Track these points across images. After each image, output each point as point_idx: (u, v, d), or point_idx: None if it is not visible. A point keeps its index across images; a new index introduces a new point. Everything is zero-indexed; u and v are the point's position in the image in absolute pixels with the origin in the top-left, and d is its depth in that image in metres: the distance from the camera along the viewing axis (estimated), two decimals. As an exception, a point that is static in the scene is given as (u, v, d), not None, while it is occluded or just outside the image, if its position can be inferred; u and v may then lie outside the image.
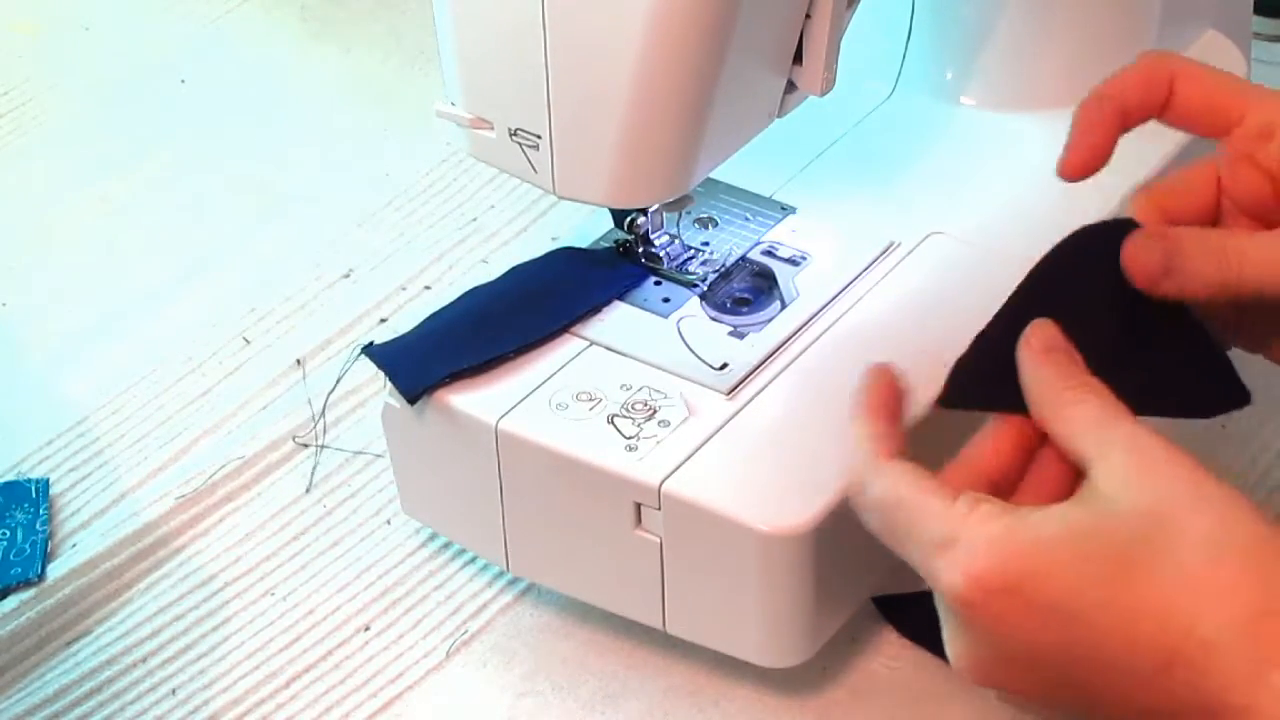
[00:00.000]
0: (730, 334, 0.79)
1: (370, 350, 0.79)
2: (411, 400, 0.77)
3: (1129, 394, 0.65)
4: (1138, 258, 0.69)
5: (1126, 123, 0.73)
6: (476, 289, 0.81)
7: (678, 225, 0.83)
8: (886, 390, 0.69)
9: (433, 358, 0.78)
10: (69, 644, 0.82)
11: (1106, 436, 0.63)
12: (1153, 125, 0.76)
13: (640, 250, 0.82)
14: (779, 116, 0.80)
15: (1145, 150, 0.80)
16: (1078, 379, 0.66)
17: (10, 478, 0.89)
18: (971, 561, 0.62)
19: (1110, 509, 0.62)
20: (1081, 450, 0.64)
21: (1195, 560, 0.60)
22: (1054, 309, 0.68)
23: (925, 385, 0.71)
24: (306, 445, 0.89)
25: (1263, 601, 0.60)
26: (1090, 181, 0.73)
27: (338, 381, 0.90)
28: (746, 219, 0.85)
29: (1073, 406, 0.65)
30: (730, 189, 0.86)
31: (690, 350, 0.78)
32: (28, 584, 0.84)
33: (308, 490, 0.87)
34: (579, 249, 0.83)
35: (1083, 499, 0.63)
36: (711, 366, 0.78)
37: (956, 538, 0.62)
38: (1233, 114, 0.72)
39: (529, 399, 0.76)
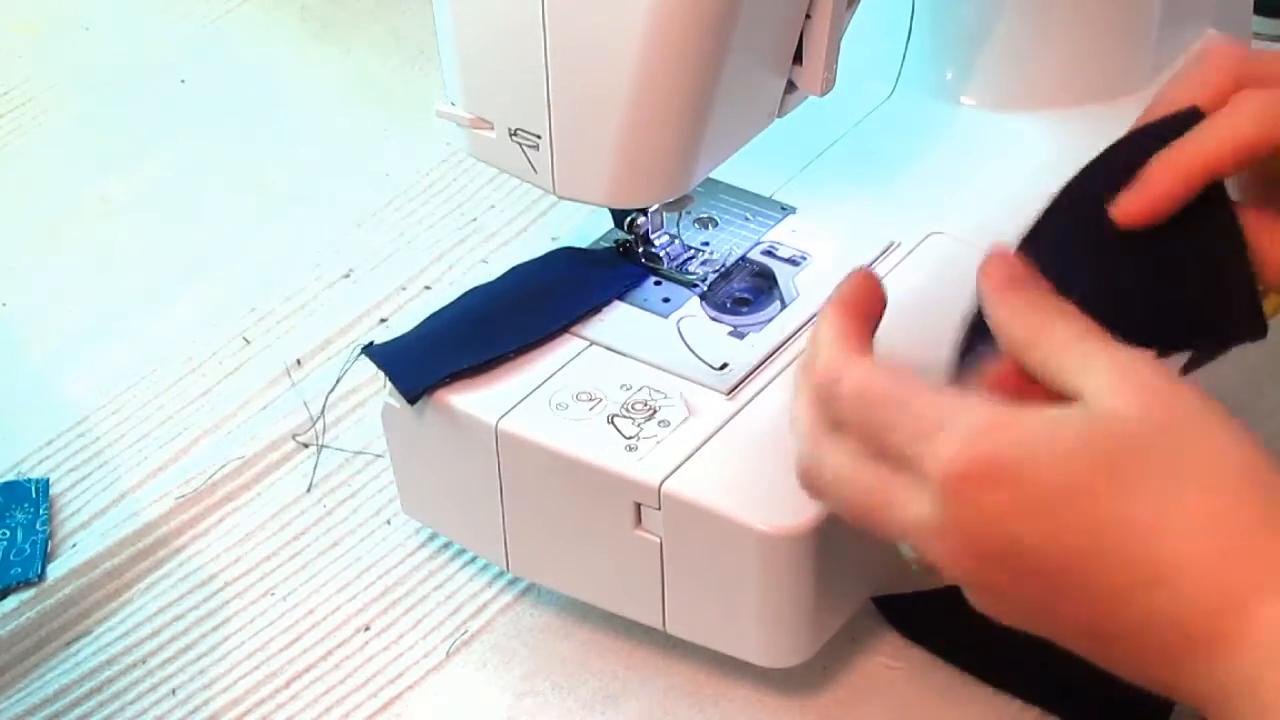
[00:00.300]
0: (730, 334, 0.79)
1: (370, 350, 0.79)
2: (411, 400, 0.77)
3: (1136, 322, 0.63)
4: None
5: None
6: (476, 289, 0.81)
7: (678, 225, 0.83)
8: (865, 291, 0.66)
9: (433, 358, 0.78)
10: (69, 644, 0.82)
11: (1089, 352, 0.61)
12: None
13: (640, 250, 0.82)
14: (779, 116, 0.79)
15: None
16: (1049, 304, 0.63)
17: (10, 478, 0.89)
18: (963, 444, 0.59)
19: (1103, 416, 0.59)
20: (1064, 373, 0.61)
21: (1187, 480, 0.58)
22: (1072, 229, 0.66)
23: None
24: (306, 445, 0.89)
25: (1251, 529, 0.58)
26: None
27: (337, 381, 0.90)
28: (746, 219, 0.85)
29: (1047, 330, 0.62)
30: (730, 189, 0.86)
31: (690, 350, 0.78)
32: (28, 584, 0.84)
33: (308, 490, 0.87)
34: (579, 249, 0.83)
35: (1075, 406, 0.60)
36: (711, 366, 0.78)
37: (947, 422, 0.60)
38: None
39: (529, 399, 0.76)
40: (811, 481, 0.65)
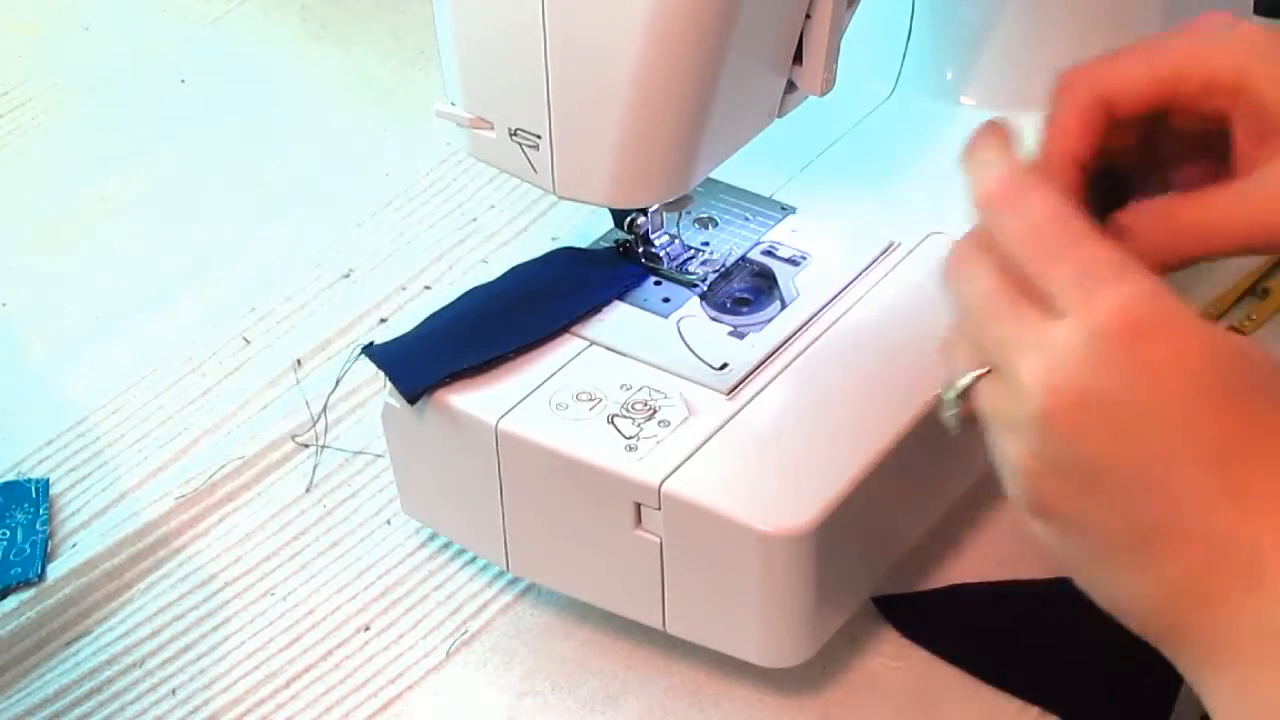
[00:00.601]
0: (730, 334, 0.79)
1: (370, 350, 0.79)
2: (411, 400, 0.77)
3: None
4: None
5: (1088, 174, 0.70)
6: (476, 289, 0.81)
7: (678, 225, 0.83)
8: (999, 134, 0.65)
9: (432, 358, 0.78)
10: (69, 644, 0.82)
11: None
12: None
13: (640, 250, 0.82)
14: (779, 116, 0.79)
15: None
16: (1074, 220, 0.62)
17: (10, 478, 0.89)
18: (1132, 298, 0.59)
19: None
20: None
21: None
22: None
23: (926, 385, 0.71)
24: (306, 445, 0.89)
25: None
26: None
27: (338, 382, 0.90)
28: (746, 219, 0.85)
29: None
30: (730, 189, 0.86)
31: (690, 350, 0.78)
32: (28, 584, 0.84)
33: (308, 490, 0.87)
34: (579, 249, 0.83)
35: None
36: (711, 366, 0.78)
37: (1120, 273, 0.60)
38: (1179, 72, 0.69)
39: (529, 399, 0.76)
40: (952, 270, 0.64)
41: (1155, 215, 0.69)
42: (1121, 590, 0.62)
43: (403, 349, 0.79)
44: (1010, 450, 0.62)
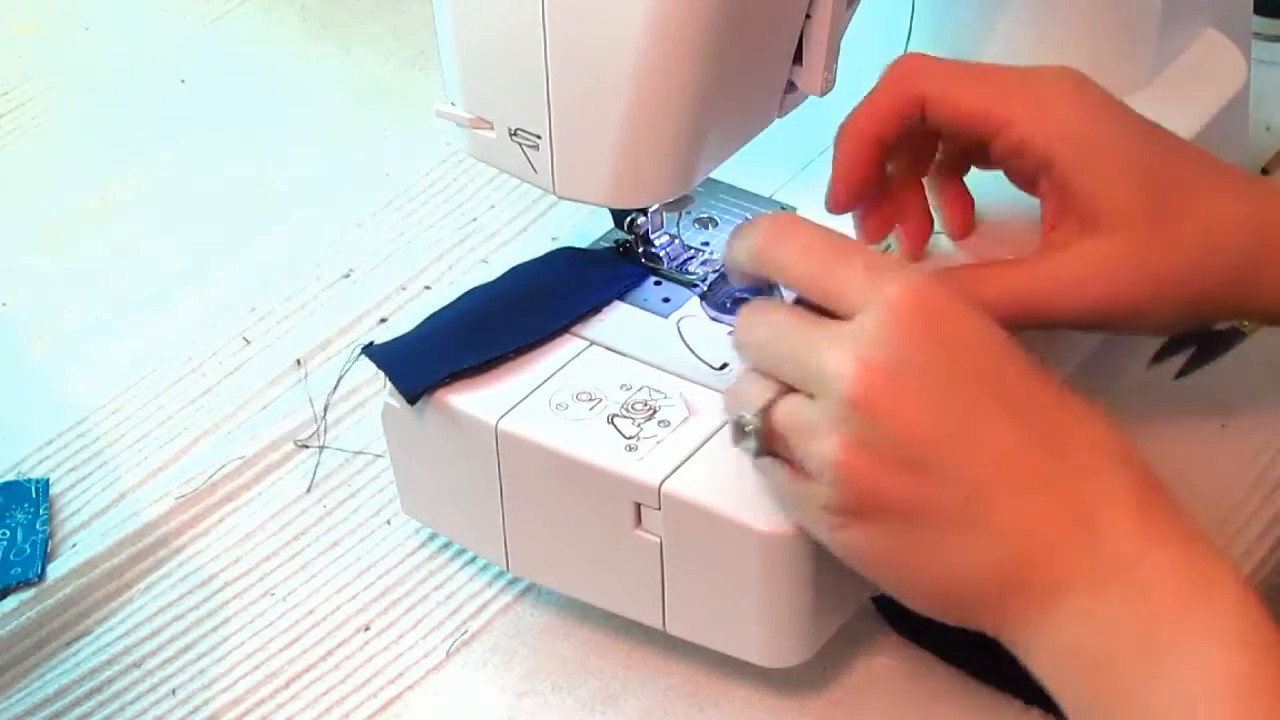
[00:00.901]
0: (730, 334, 0.79)
1: (370, 350, 0.79)
2: (411, 400, 0.77)
3: None
4: None
5: (887, 154, 0.77)
6: (476, 289, 0.81)
7: (678, 225, 0.83)
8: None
9: (432, 358, 0.78)
10: (69, 644, 0.82)
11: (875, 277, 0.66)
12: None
13: (640, 250, 0.82)
14: (779, 116, 0.79)
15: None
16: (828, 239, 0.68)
17: (10, 478, 0.89)
18: (918, 279, 0.65)
19: None
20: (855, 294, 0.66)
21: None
22: None
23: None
24: (306, 445, 0.89)
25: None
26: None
27: (339, 382, 0.90)
28: (746, 219, 0.84)
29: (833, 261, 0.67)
30: (730, 189, 0.86)
31: (690, 350, 0.78)
32: (27, 584, 0.84)
33: (308, 490, 0.87)
34: (579, 249, 0.83)
35: None
36: (711, 366, 0.77)
37: (897, 266, 0.66)
38: (990, 127, 0.75)
39: (529, 399, 0.76)
40: (745, 324, 0.69)
41: (967, 280, 0.74)
42: (952, 564, 0.64)
43: (403, 349, 0.79)
44: (825, 453, 0.64)
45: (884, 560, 0.66)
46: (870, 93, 0.76)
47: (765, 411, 0.67)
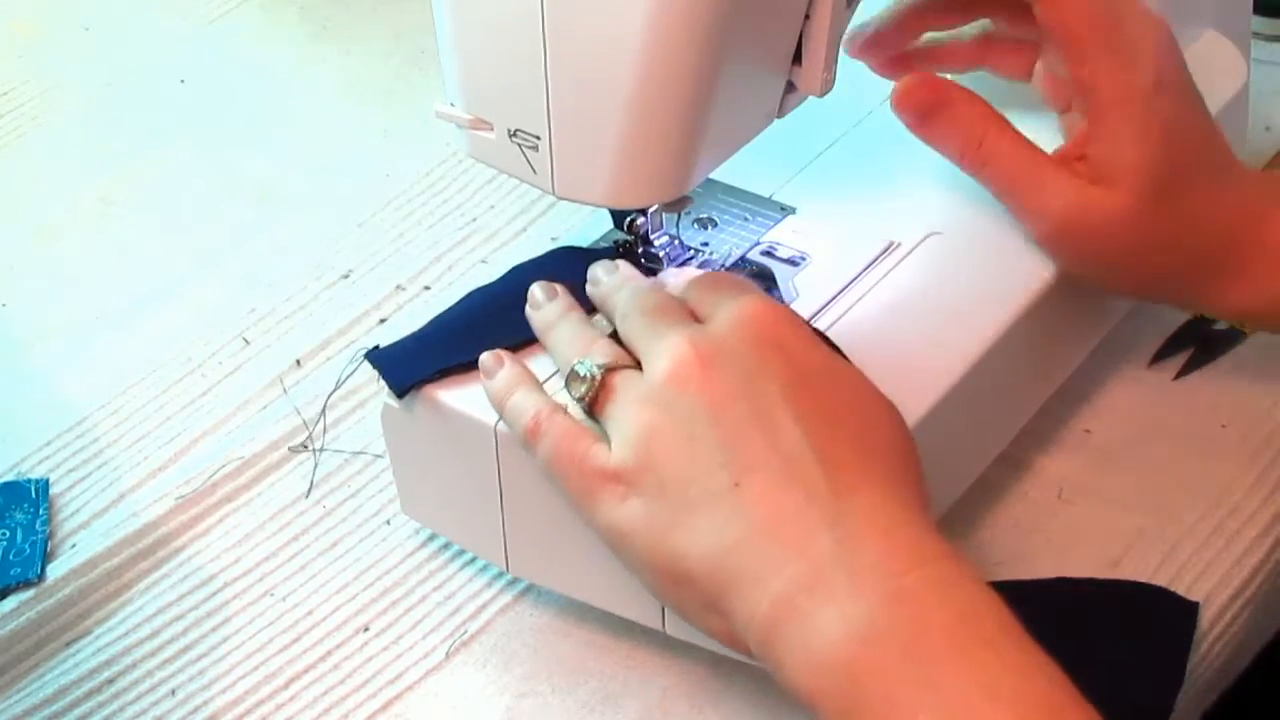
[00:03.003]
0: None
1: (371, 355, 0.79)
2: (400, 395, 0.77)
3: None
4: (912, 94, 0.80)
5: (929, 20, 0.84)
6: (476, 290, 0.81)
7: (677, 226, 0.83)
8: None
9: (426, 356, 0.78)
10: (68, 644, 0.82)
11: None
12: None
13: (640, 251, 0.82)
14: (779, 117, 0.79)
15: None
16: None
17: (10, 478, 0.89)
18: (758, 297, 0.72)
19: None
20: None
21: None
22: None
23: (925, 385, 0.71)
24: (306, 446, 0.89)
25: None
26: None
27: (338, 384, 0.90)
28: (746, 219, 0.84)
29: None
30: (730, 189, 0.86)
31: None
32: (27, 584, 0.84)
33: (308, 491, 0.87)
34: (578, 248, 0.83)
35: None
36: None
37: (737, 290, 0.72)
38: (1070, 54, 0.79)
39: (528, 399, 0.76)
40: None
41: (975, 120, 0.80)
42: (711, 538, 0.66)
43: (400, 350, 0.79)
44: (633, 415, 0.69)
45: (647, 536, 0.68)
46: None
47: (607, 369, 0.71)
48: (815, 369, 0.69)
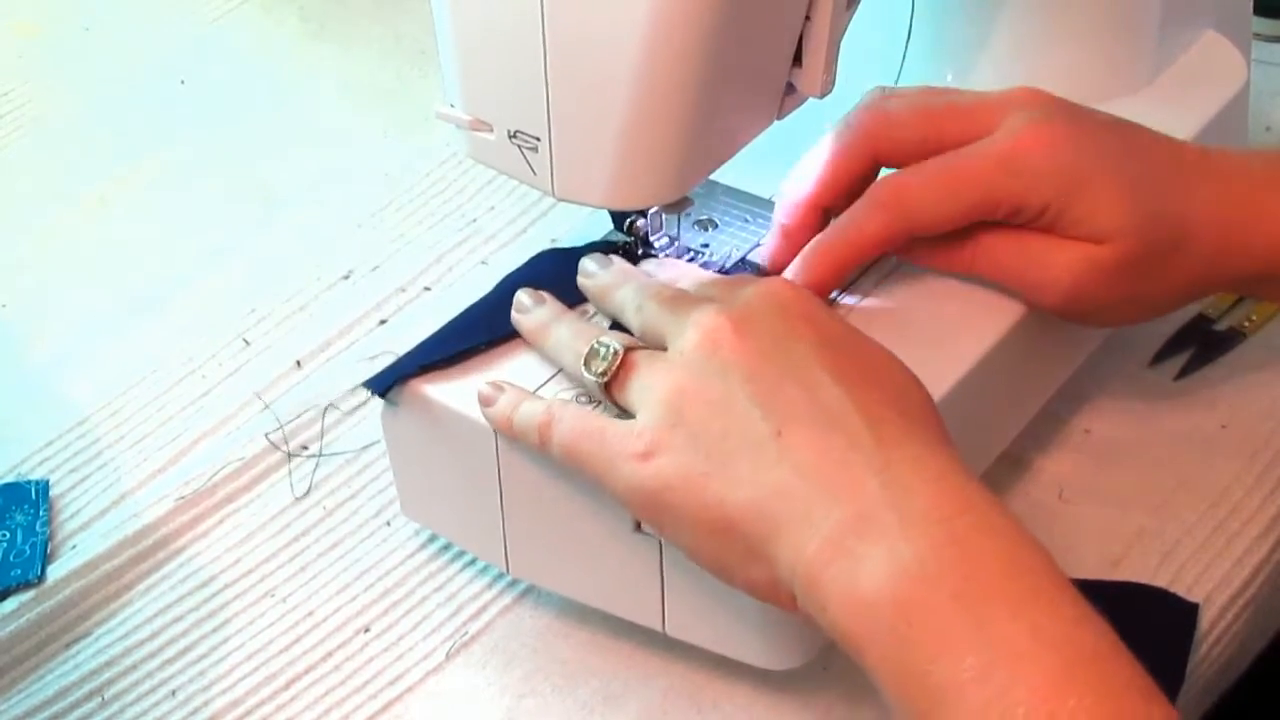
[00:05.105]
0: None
1: (366, 383, 0.79)
2: (382, 394, 0.77)
3: None
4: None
5: (828, 217, 0.79)
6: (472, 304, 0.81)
7: (677, 227, 0.83)
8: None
9: (409, 357, 0.78)
10: (69, 645, 0.82)
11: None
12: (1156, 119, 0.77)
13: (639, 252, 0.82)
14: (779, 118, 0.79)
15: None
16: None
17: (10, 479, 0.89)
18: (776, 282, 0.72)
19: None
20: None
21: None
22: None
23: (927, 385, 0.70)
24: (306, 447, 0.89)
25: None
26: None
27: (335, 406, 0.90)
28: (746, 221, 0.84)
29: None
30: (730, 191, 0.86)
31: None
32: (27, 585, 0.84)
33: (308, 492, 0.87)
34: (562, 249, 0.83)
35: None
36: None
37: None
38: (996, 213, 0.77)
39: (528, 401, 0.76)
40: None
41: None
42: (747, 481, 0.66)
43: (390, 368, 0.79)
44: (665, 384, 0.68)
45: (684, 488, 0.67)
46: (826, 162, 0.79)
47: (627, 348, 0.71)
48: (843, 338, 0.69)
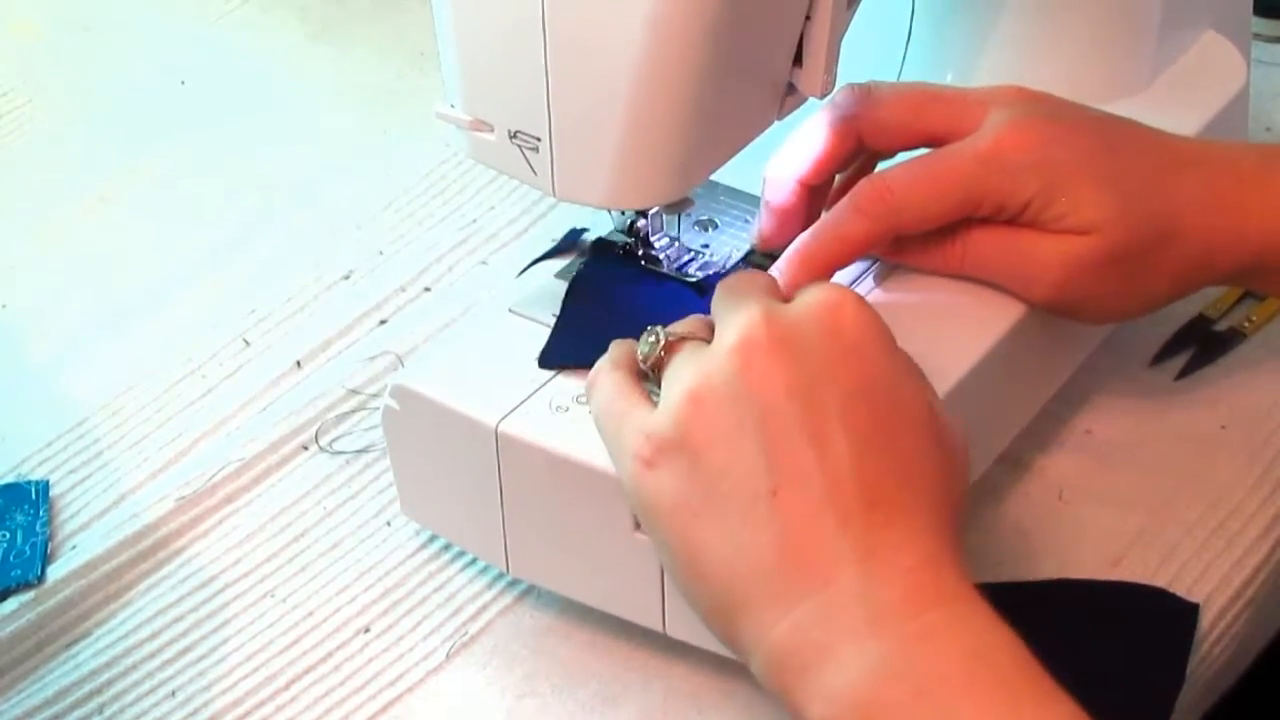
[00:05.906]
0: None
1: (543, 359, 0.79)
2: (544, 365, 0.77)
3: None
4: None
5: (816, 195, 0.80)
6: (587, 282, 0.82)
7: (678, 227, 0.83)
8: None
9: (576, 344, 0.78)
10: (68, 646, 0.82)
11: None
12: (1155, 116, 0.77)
13: (640, 252, 0.82)
14: (779, 119, 0.79)
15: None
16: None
17: (10, 479, 0.89)
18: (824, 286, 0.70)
19: None
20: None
21: None
22: None
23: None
24: (306, 447, 0.89)
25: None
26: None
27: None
28: (746, 221, 0.84)
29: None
30: (730, 191, 0.86)
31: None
32: (27, 586, 0.84)
33: (308, 492, 0.87)
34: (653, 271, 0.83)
35: None
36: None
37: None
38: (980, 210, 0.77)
39: (529, 401, 0.76)
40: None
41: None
42: (731, 539, 0.65)
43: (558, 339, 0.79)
44: (685, 380, 0.67)
45: (672, 516, 0.67)
46: (811, 141, 0.79)
47: (678, 336, 0.71)
48: (882, 380, 0.67)
